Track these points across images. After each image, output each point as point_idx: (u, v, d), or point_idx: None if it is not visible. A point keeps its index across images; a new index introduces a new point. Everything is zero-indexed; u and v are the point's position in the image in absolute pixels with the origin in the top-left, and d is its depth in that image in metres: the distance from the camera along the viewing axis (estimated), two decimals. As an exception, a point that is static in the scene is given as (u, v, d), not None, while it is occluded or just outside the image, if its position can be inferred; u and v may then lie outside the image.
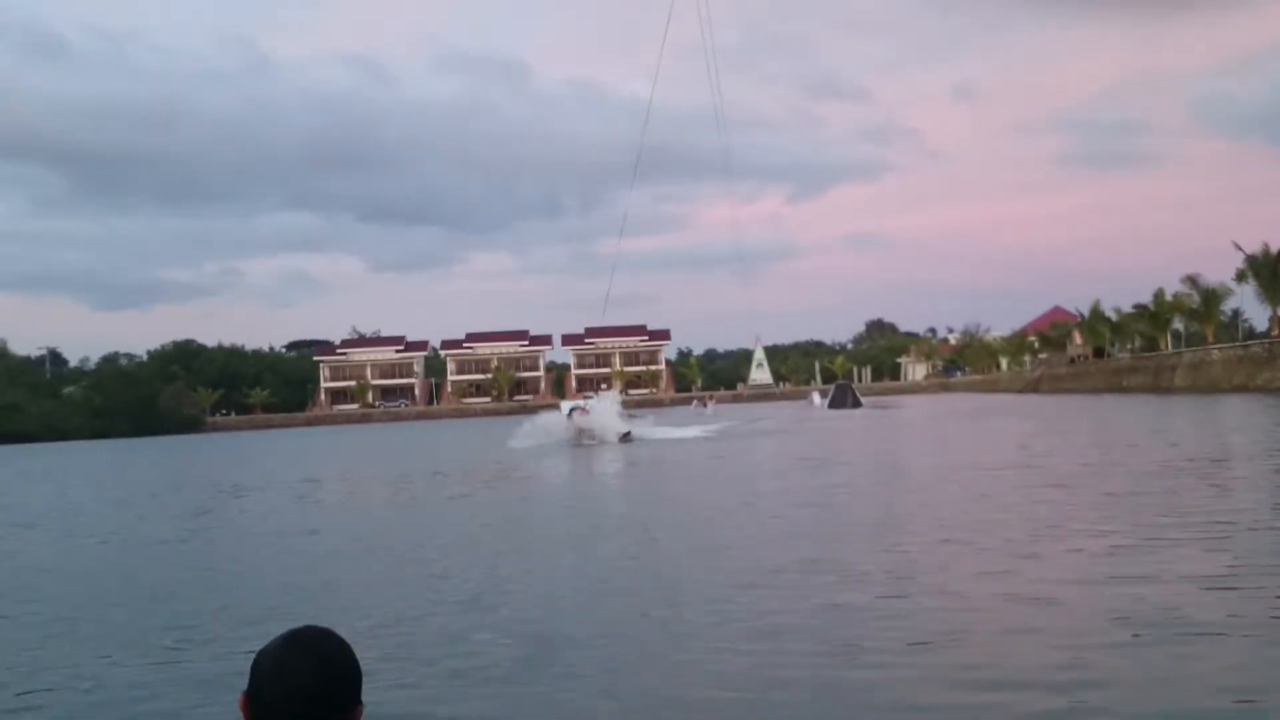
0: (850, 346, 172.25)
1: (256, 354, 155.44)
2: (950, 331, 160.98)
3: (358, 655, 1.79)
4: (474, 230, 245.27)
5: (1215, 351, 68.86)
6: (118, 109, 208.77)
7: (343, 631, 1.80)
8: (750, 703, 6.76)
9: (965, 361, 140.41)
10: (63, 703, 7.66)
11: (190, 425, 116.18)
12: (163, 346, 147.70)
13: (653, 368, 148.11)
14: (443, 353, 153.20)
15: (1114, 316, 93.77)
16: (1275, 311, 67.48)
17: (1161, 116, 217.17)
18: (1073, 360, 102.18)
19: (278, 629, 1.84)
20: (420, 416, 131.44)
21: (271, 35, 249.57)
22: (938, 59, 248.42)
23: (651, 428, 49.53)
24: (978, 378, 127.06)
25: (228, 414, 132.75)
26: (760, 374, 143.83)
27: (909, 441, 37.01)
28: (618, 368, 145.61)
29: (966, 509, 15.55)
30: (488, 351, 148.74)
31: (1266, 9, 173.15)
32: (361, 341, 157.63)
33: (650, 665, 7.82)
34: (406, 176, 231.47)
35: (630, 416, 51.90)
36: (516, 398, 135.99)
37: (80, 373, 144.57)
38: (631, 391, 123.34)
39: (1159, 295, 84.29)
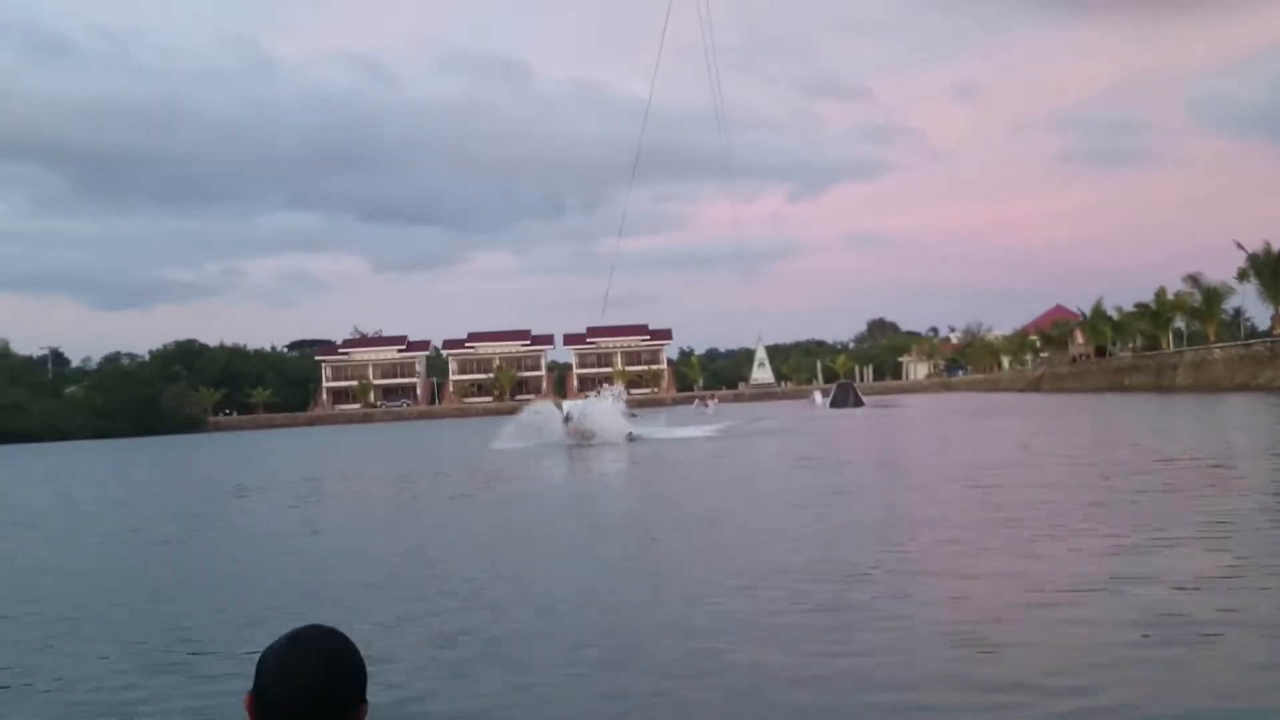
0: (852, 346, 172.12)
1: (258, 354, 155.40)
2: (952, 331, 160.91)
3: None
4: (475, 230, 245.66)
5: (1217, 350, 68.83)
6: (118, 109, 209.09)
7: (344, 631, 1.80)
8: (751, 703, 6.76)
9: (967, 361, 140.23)
10: (63, 703, 7.66)
11: (192, 425, 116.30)
12: (164, 346, 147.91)
13: (654, 367, 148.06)
14: (444, 352, 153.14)
15: (1115, 315, 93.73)
16: (1277, 310, 67.44)
17: (1162, 116, 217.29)
18: (1074, 359, 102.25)
19: (280, 629, 1.83)
20: (422, 416, 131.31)
21: (272, 35, 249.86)
22: (938, 59, 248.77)
23: (665, 428, 48.46)
24: (979, 377, 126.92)
25: (230, 414, 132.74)
26: (762, 373, 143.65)
27: (911, 441, 37.04)
28: (619, 367, 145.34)
29: (968, 509, 15.54)
30: (489, 351, 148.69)
31: (1266, 9, 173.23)
32: (363, 341, 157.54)
33: (651, 665, 7.81)
34: (407, 176, 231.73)
35: (632, 415, 51.41)
36: (518, 397, 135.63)
37: (82, 373, 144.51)
38: (633, 391, 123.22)
39: (1160, 294, 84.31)
